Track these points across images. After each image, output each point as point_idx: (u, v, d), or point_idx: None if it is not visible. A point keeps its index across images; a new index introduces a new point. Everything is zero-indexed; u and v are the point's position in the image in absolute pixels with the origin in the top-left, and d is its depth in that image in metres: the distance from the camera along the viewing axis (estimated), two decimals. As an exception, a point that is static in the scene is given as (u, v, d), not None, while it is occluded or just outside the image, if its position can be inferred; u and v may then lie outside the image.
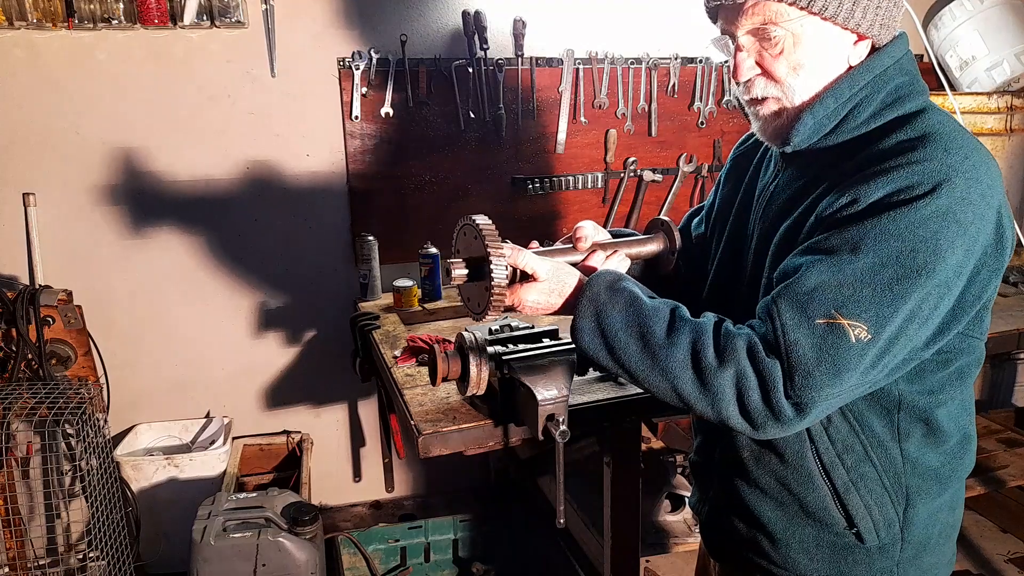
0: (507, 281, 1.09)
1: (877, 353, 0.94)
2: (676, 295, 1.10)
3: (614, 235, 1.35)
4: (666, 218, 1.37)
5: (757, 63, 1.06)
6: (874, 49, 1.07)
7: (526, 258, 1.11)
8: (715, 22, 1.11)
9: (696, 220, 1.45)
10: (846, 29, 1.04)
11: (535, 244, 1.24)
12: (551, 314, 1.14)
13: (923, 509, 1.11)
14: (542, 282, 1.11)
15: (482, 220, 1.10)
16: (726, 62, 1.15)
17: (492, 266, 1.06)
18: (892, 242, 0.93)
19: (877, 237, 0.94)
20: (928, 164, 0.94)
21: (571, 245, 1.25)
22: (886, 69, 1.05)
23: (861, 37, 1.05)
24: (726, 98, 2.92)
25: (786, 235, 1.07)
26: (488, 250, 1.07)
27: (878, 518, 1.09)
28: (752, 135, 1.34)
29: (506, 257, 1.08)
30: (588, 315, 1.06)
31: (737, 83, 1.10)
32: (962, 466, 1.15)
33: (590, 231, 1.28)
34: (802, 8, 1.00)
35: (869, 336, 0.93)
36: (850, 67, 1.06)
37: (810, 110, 1.05)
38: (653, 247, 1.34)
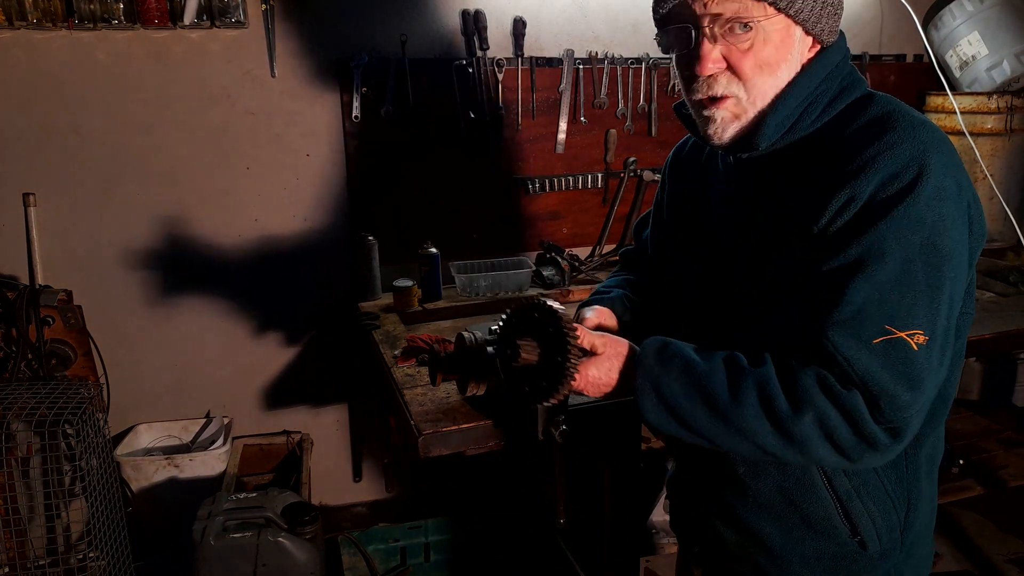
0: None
1: (939, 351, 0.93)
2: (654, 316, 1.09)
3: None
4: None
5: (724, 56, 1.02)
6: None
7: (587, 335, 1.07)
8: (666, 25, 1.06)
9: (646, 232, 1.44)
10: (808, 34, 1.04)
11: None
12: (609, 394, 1.07)
13: (921, 509, 1.10)
14: (600, 356, 1.06)
15: (557, 305, 1.06)
16: (677, 54, 1.07)
17: (569, 349, 1.02)
18: (910, 235, 0.92)
19: (896, 235, 0.92)
20: (904, 146, 0.94)
21: None
22: (837, 65, 1.06)
23: (815, 43, 1.06)
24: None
25: (771, 240, 1.05)
26: (567, 336, 1.03)
27: (881, 525, 1.07)
28: (688, 140, 1.31)
29: (579, 339, 1.04)
30: (647, 390, 1.01)
31: (696, 77, 1.03)
32: (938, 452, 1.15)
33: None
34: (779, 9, 0.99)
35: (927, 338, 0.91)
36: (801, 68, 1.05)
37: (773, 112, 1.03)
38: None
